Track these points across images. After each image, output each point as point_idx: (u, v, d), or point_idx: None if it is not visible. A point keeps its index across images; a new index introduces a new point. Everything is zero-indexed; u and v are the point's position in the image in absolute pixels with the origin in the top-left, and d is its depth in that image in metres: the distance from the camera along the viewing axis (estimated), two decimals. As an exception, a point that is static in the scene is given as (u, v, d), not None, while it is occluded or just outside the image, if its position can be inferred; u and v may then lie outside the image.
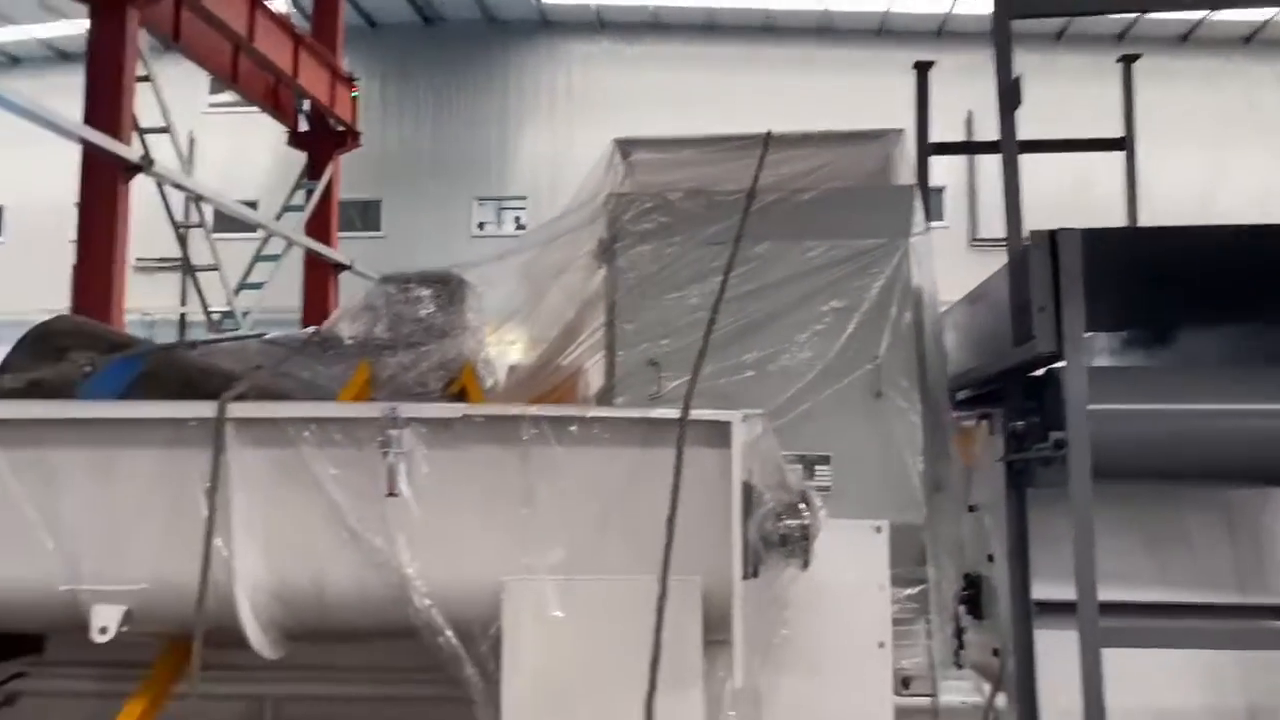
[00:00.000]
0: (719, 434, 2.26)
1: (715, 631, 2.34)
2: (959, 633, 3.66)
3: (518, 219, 22.44)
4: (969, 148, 11.06)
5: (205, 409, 2.38)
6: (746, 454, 2.28)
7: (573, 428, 2.35)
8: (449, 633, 2.37)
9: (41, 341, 3.01)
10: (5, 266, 20.48)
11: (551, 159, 21.36)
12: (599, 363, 3.72)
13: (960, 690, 3.72)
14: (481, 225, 22.96)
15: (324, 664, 3.13)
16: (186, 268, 14.01)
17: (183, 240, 13.71)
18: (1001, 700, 3.62)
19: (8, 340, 3.19)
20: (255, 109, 14.44)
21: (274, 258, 14.86)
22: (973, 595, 3.67)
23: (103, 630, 2.46)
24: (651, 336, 3.49)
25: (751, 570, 2.32)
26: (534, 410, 2.39)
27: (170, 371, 3.09)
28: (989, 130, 3.48)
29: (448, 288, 3.79)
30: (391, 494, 2.34)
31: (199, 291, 13.79)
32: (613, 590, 2.33)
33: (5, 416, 2.43)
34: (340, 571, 2.43)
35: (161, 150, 11.78)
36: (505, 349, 3.84)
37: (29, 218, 20.94)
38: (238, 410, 2.37)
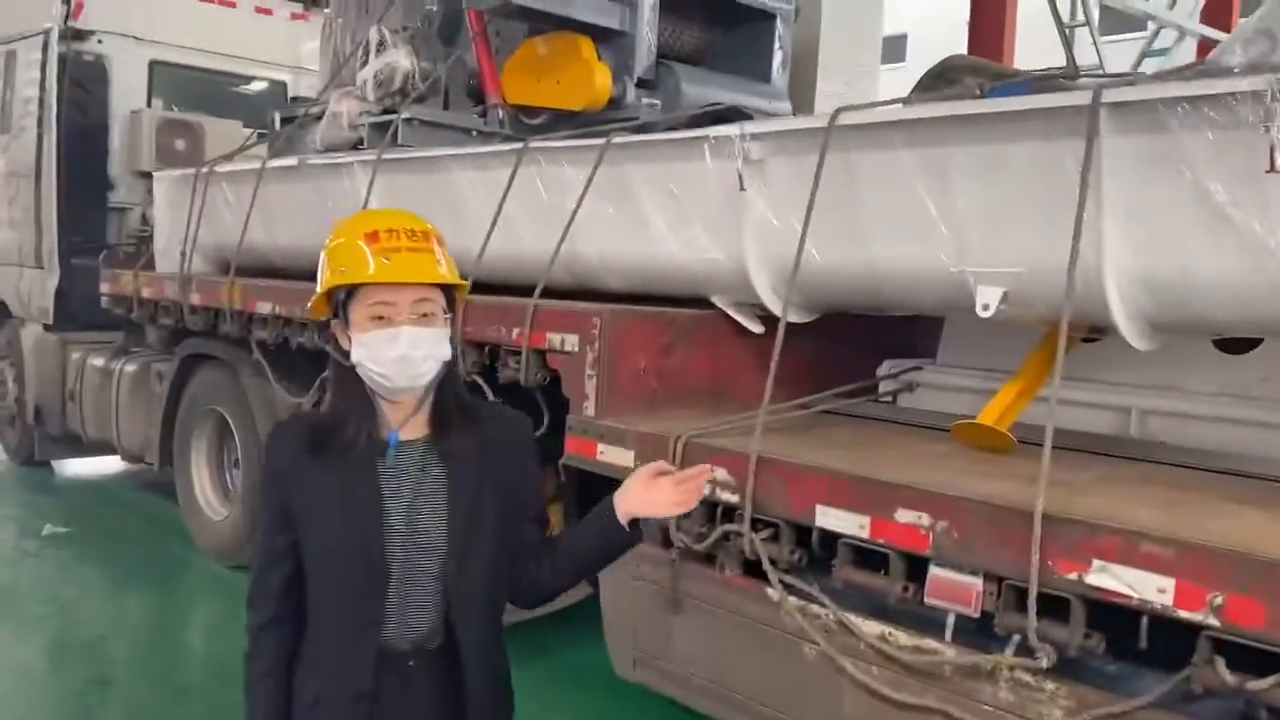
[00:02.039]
0: None
1: None
2: None
3: None
4: None
5: (1080, 97, 2.50)
6: None
7: None
8: (1334, 325, 2.20)
9: (942, 74, 3.44)
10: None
11: None
12: None
13: None
14: None
15: (1192, 386, 3.14)
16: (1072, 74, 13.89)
17: (1068, 44, 13.59)
18: None
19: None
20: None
21: (1161, 53, 13.95)
22: None
23: (985, 307, 2.81)
24: None
25: None
26: None
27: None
28: None
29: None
30: (1272, 170, 2.22)
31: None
32: None
33: (910, 117, 2.87)
34: (1210, 258, 2.40)
35: (1049, -51, 11.72)
36: None
37: (928, 41, 22.84)
38: (1111, 95, 2.44)
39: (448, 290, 1.99)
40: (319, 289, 1.98)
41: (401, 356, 1.90)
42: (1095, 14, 13.24)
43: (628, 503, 2.10)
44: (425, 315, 1.93)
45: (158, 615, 5.38)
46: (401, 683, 1.98)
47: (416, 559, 1.97)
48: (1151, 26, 13.75)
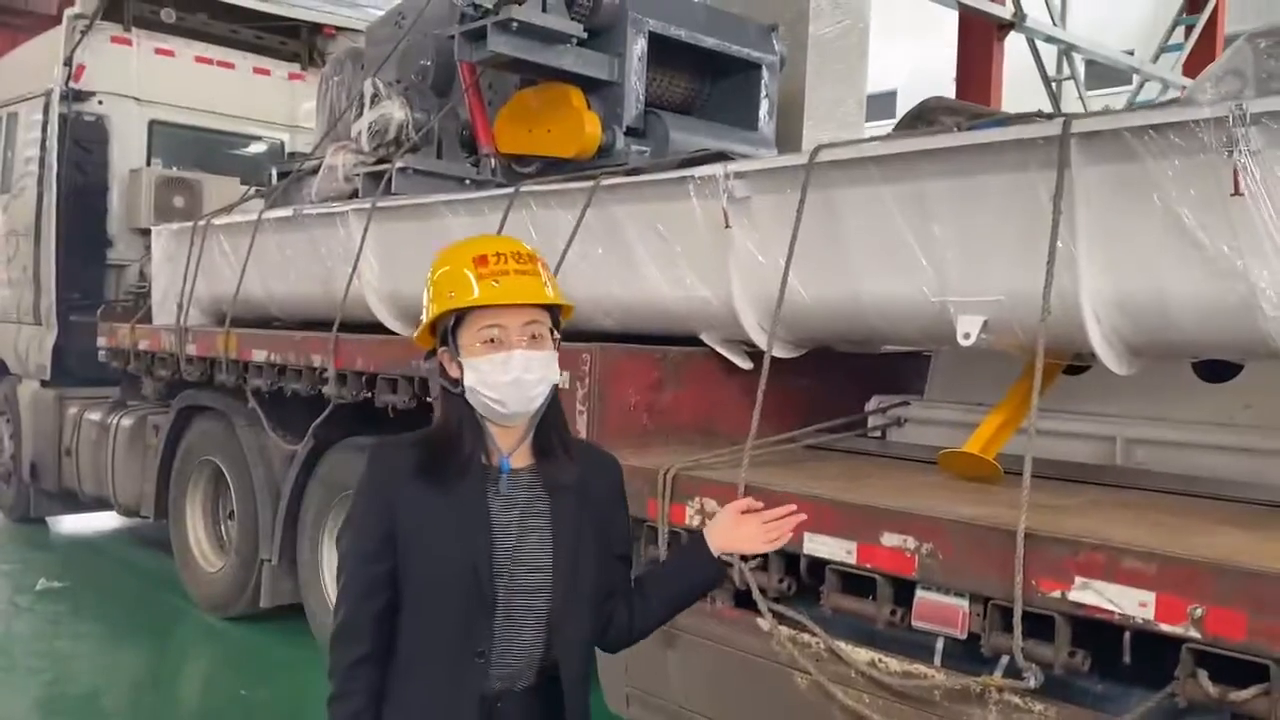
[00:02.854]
0: None
1: None
2: None
3: None
4: None
5: (1051, 128, 2.58)
6: None
7: None
8: (1303, 344, 2.25)
9: (920, 115, 3.52)
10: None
11: None
12: None
13: None
14: None
15: (1176, 415, 3.17)
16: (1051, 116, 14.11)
17: (1054, 97, 13.83)
18: None
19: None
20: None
21: (1146, 105, 14.20)
22: None
23: (966, 336, 2.86)
24: None
25: None
26: None
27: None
28: None
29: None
30: (1236, 194, 2.28)
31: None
32: None
33: (887, 152, 2.94)
34: (1183, 282, 2.45)
35: (1032, 6, 12.00)
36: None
37: (917, 98, 23.19)
38: (1081, 125, 2.52)
39: (553, 314, 1.97)
40: (425, 317, 1.96)
41: (515, 380, 1.88)
42: (1080, 68, 13.53)
43: (718, 539, 2.08)
44: (535, 337, 1.91)
45: (152, 668, 5.35)
46: None
47: (520, 591, 1.91)
48: (1136, 79, 14.04)
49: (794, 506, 2.12)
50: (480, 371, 1.89)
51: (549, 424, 1.99)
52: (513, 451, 1.96)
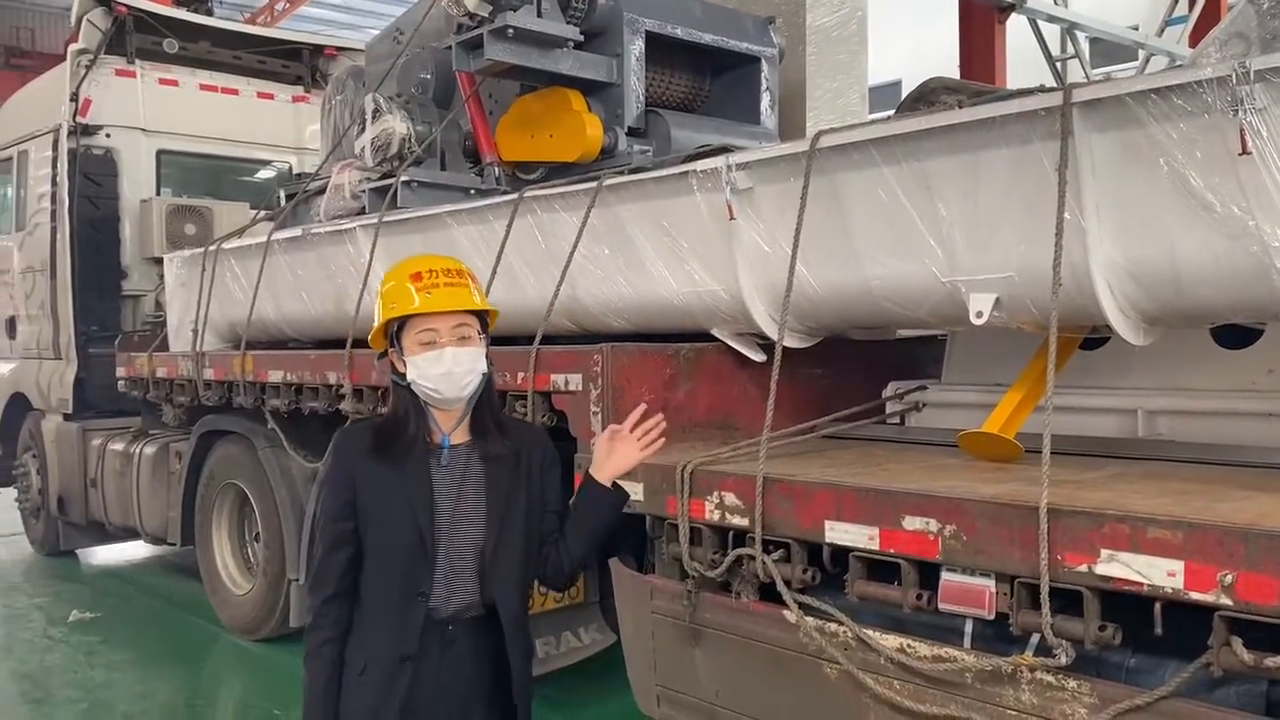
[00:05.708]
0: None
1: None
2: None
3: None
4: None
5: (1052, 98, 2.55)
6: None
7: None
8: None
9: (920, 96, 3.49)
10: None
11: None
12: None
13: None
14: None
15: (1197, 384, 3.13)
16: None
17: (1059, 77, 13.74)
18: None
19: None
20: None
21: (1154, 78, 14.03)
22: None
23: (979, 315, 2.83)
24: None
25: None
26: None
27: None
28: None
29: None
30: (1244, 153, 2.25)
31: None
32: None
33: (888, 134, 2.91)
34: (1195, 245, 2.41)
35: (1039, -14, 11.91)
36: None
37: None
38: (1083, 94, 2.49)
39: (482, 317, 2.43)
40: (375, 324, 2.43)
41: (447, 372, 2.33)
42: (1085, 46, 13.44)
43: (603, 470, 2.57)
44: (464, 338, 2.37)
45: (186, 694, 5.36)
46: (442, 644, 2.36)
47: (460, 542, 2.38)
48: (1142, 54, 13.92)
49: (659, 415, 2.65)
50: (419, 367, 2.35)
51: (483, 407, 2.45)
52: (452, 430, 2.43)
